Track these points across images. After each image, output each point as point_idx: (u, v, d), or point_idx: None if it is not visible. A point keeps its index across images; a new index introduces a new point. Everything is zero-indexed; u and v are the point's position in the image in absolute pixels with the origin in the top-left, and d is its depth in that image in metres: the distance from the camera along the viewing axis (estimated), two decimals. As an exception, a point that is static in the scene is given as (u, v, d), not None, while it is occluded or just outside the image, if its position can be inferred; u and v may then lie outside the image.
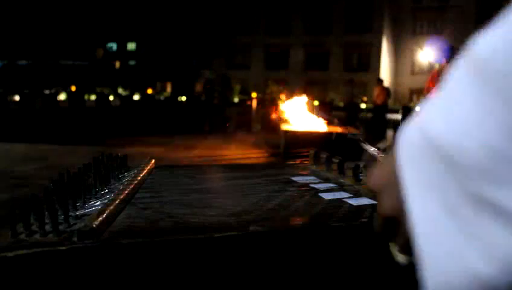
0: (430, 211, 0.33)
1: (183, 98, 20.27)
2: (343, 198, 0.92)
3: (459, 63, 0.35)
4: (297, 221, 0.77)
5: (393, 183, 0.38)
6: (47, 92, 19.86)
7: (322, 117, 6.67)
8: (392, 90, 15.05)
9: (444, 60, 5.27)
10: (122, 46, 36.91)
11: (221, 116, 11.87)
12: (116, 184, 0.96)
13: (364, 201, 0.90)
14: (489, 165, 0.30)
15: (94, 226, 0.64)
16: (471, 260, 0.30)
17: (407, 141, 0.37)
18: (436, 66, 6.29)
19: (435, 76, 5.26)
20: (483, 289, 0.29)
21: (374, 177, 0.44)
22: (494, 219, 0.29)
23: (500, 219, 0.29)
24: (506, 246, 0.28)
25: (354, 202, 0.90)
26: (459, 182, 0.31)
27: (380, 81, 12.08)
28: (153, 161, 1.20)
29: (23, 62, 32.08)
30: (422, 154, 0.34)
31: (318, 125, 6.62)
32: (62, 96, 20.18)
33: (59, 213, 0.68)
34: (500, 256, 0.29)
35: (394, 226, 0.41)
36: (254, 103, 13.20)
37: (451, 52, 5.31)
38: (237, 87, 22.55)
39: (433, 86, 5.27)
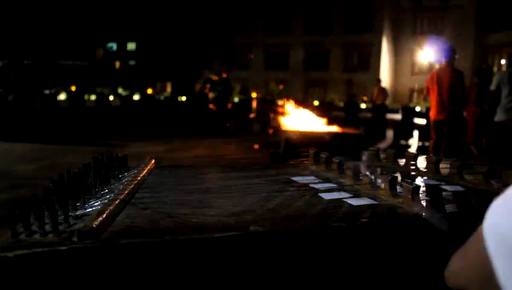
0: None
1: (183, 98, 20.26)
2: (343, 198, 0.92)
3: None
4: (297, 221, 0.77)
5: (488, 281, 0.32)
6: (47, 92, 19.84)
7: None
8: (392, 90, 15.04)
9: (443, 60, 5.26)
10: (122, 46, 36.90)
11: (216, 118, 11.84)
12: (116, 184, 0.96)
13: (364, 201, 0.90)
14: None
15: (94, 226, 0.64)
16: None
17: (503, 233, 0.31)
18: (436, 66, 6.29)
19: (434, 76, 5.24)
20: None
21: (456, 271, 0.38)
22: None
23: None
24: None
25: (354, 202, 0.90)
26: None
27: (379, 81, 12.14)
28: (153, 161, 1.20)
29: (23, 62, 32.06)
30: None
31: (318, 125, 6.62)
32: (62, 96, 20.16)
33: (59, 213, 0.68)
34: None
35: None
36: (254, 103, 13.19)
37: (451, 53, 5.31)
38: (237, 87, 22.56)
39: (431, 85, 5.26)
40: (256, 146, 7.69)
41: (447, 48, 5.39)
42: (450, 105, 5.10)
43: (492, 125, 5.05)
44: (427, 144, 6.97)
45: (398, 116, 12.95)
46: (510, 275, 0.30)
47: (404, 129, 10.97)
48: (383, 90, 11.61)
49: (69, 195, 0.76)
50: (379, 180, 0.99)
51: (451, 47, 5.49)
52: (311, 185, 1.05)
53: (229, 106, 13.32)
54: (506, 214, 0.31)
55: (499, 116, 4.89)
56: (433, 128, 5.31)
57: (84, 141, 7.82)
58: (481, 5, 27.02)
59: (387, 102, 12.69)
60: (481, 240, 0.33)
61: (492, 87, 4.93)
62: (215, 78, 13.31)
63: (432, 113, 5.29)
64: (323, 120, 6.90)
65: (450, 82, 5.07)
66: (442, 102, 5.14)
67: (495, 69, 15.88)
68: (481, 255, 0.33)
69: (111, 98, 20.19)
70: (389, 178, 0.92)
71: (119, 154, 1.11)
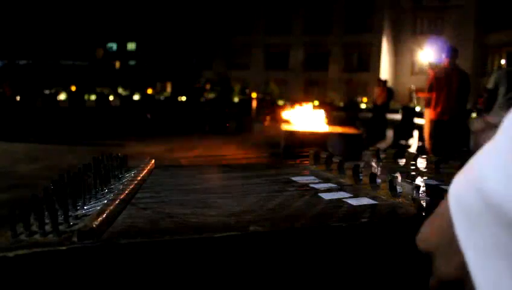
0: (500, 284, 0.29)
1: (183, 98, 20.26)
2: (343, 198, 0.92)
3: None
4: (297, 221, 0.77)
5: (451, 246, 0.35)
6: (47, 92, 19.83)
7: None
8: (394, 91, 15.02)
9: (449, 61, 5.25)
10: (122, 46, 36.91)
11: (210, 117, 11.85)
12: (116, 184, 0.96)
13: (364, 201, 0.90)
14: None
15: (94, 226, 0.64)
16: None
17: (462, 198, 0.33)
18: (436, 65, 6.28)
19: (443, 76, 5.21)
20: None
21: (425, 235, 0.40)
22: None
23: None
24: None
25: (354, 202, 0.90)
26: None
27: (381, 82, 12.08)
28: (153, 161, 1.20)
29: (23, 62, 32.09)
30: (483, 216, 0.30)
31: (318, 125, 6.62)
32: (62, 96, 20.15)
33: (59, 213, 0.68)
34: None
35: (456, 287, 0.37)
36: (254, 103, 13.20)
37: (452, 53, 5.30)
38: (237, 87, 22.56)
39: (438, 85, 5.23)
40: (256, 146, 7.70)
41: (453, 48, 5.37)
42: (457, 106, 5.08)
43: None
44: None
45: (398, 116, 12.95)
46: (467, 237, 0.32)
47: (404, 129, 10.96)
48: (386, 91, 11.56)
49: (69, 195, 0.76)
50: (379, 180, 0.99)
51: (452, 47, 5.49)
52: (311, 185, 1.05)
53: (227, 109, 13.36)
54: (464, 180, 0.33)
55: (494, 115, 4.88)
56: (433, 128, 5.30)
57: (84, 141, 7.82)
58: (481, 5, 27.03)
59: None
60: (446, 207, 0.36)
61: (490, 85, 4.92)
62: (208, 86, 13.35)
63: (433, 113, 5.26)
64: (323, 120, 6.90)
65: (460, 83, 5.05)
66: (449, 103, 5.12)
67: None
68: (445, 220, 0.35)
69: (111, 98, 20.18)
70: (389, 178, 0.92)
71: (119, 154, 1.11)
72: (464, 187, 0.33)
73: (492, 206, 0.29)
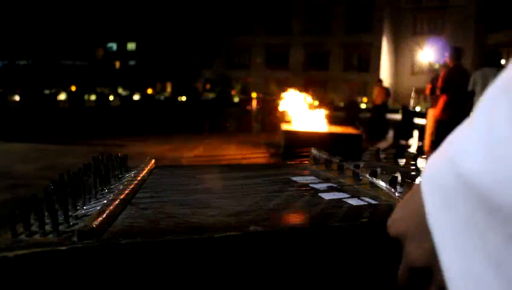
0: (471, 265, 0.27)
1: (183, 98, 20.27)
2: (343, 198, 0.92)
3: (497, 84, 0.29)
4: (297, 221, 0.77)
5: (421, 229, 0.33)
6: (47, 92, 19.84)
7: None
8: (392, 90, 15.05)
9: (449, 61, 5.24)
10: (122, 46, 36.90)
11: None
12: (116, 184, 0.96)
13: (364, 201, 0.90)
14: None
15: (94, 226, 0.64)
16: None
17: (437, 178, 0.31)
18: (436, 66, 6.27)
19: (451, 76, 5.16)
20: None
21: (396, 219, 0.39)
22: None
23: None
24: None
25: (354, 202, 0.90)
26: (505, 231, 0.26)
27: (380, 81, 12.14)
28: (153, 160, 1.20)
29: (23, 62, 32.09)
30: (457, 195, 0.29)
31: (318, 125, 6.62)
32: (62, 96, 20.15)
33: (59, 213, 0.68)
34: None
35: (424, 278, 0.35)
36: (254, 103, 13.21)
37: (458, 53, 5.28)
38: (237, 87, 22.56)
39: (445, 85, 5.20)
40: (256, 146, 7.70)
41: (459, 49, 5.36)
42: (462, 107, 5.07)
43: None
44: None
45: (398, 116, 12.96)
46: (439, 217, 0.31)
47: (404, 129, 10.97)
48: (384, 90, 11.60)
49: (69, 195, 0.76)
50: (379, 180, 0.99)
51: (456, 48, 5.45)
52: (311, 185, 1.05)
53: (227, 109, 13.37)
54: (439, 160, 0.32)
55: None
56: (436, 128, 5.29)
57: (84, 141, 7.82)
58: (481, 5, 27.03)
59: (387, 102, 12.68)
60: (418, 189, 0.35)
61: (470, 87, 4.91)
62: (208, 86, 13.38)
63: (439, 114, 5.24)
64: (323, 120, 6.90)
65: (465, 84, 5.04)
66: (456, 103, 5.11)
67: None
68: (416, 202, 0.34)
69: (111, 98, 20.18)
70: (389, 178, 0.92)
71: (119, 154, 1.11)
72: (439, 167, 0.32)
73: (468, 185, 0.28)
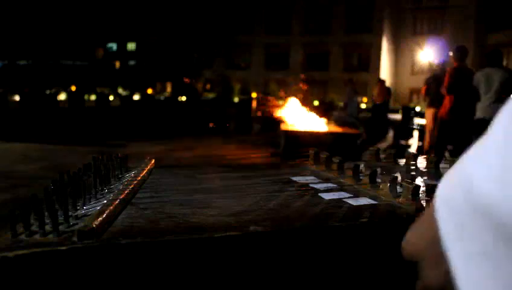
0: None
1: (183, 98, 20.27)
2: (343, 198, 0.92)
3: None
4: (297, 221, 0.77)
5: (437, 252, 0.33)
6: (47, 92, 19.84)
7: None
8: (392, 90, 15.03)
9: (454, 61, 5.24)
10: (122, 46, 36.89)
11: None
12: (116, 184, 0.96)
13: (364, 201, 0.90)
14: None
15: (94, 226, 0.64)
16: None
17: (452, 204, 0.31)
18: (436, 66, 6.28)
19: (459, 76, 5.15)
20: None
21: (410, 242, 0.38)
22: None
23: None
24: None
25: (354, 202, 0.90)
26: None
27: (381, 81, 12.14)
28: (153, 160, 1.20)
29: (23, 62, 32.09)
30: (471, 221, 0.28)
31: (318, 125, 6.62)
32: (62, 96, 20.16)
33: (59, 213, 0.68)
34: None
35: None
36: (254, 103, 13.20)
37: (463, 53, 5.27)
38: (237, 87, 22.57)
39: (452, 85, 5.18)
40: (256, 146, 7.70)
41: (464, 49, 5.35)
42: (466, 106, 5.07)
43: (473, 124, 5.00)
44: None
45: (398, 116, 12.95)
46: (453, 241, 0.30)
47: (404, 129, 10.96)
48: (384, 90, 11.60)
49: (69, 195, 0.76)
50: (379, 180, 0.99)
51: (460, 47, 5.43)
52: (311, 185, 1.05)
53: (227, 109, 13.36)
54: (452, 181, 0.32)
55: (478, 115, 4.85)
56: (439, 127, 5.29)
57: (84, 141, 7.82)
58: (481, 5, 27.03)
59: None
60: (432, 210, 0.34)
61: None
62: (187, 80, 13.34)
63: (443, 113, 5.23)
64: (324, 120, 6.90)
65: (470, 83, 5.03)
66: (460, 104, 5.11)
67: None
68: (430, 224, 0.34)
69: (111, 98, 20.18)
70: (389, 178, 0.92)
71: (119, 154, 1.11)
72: (452, 188, 0.31)
73: (481, 208, 0.28)
